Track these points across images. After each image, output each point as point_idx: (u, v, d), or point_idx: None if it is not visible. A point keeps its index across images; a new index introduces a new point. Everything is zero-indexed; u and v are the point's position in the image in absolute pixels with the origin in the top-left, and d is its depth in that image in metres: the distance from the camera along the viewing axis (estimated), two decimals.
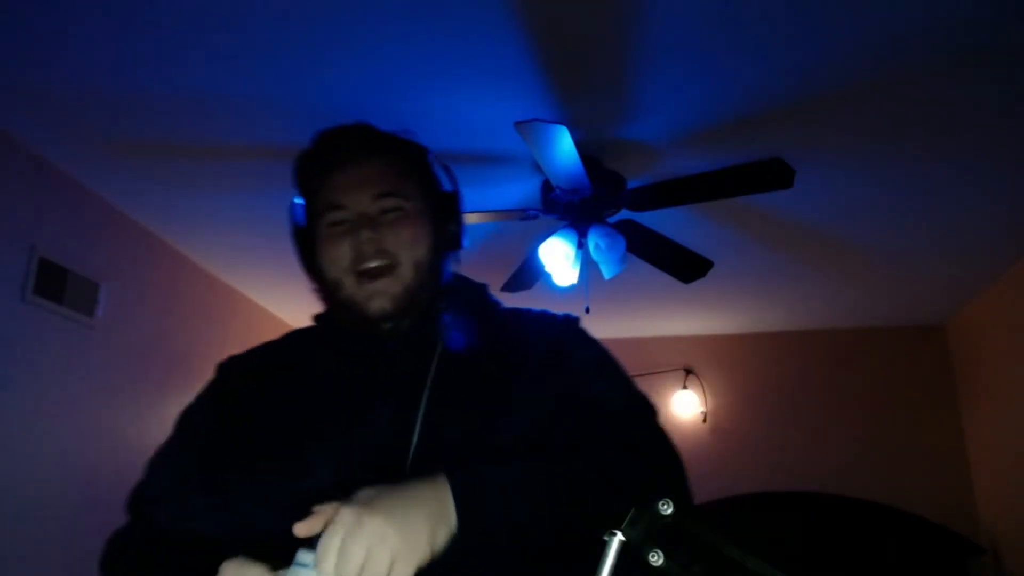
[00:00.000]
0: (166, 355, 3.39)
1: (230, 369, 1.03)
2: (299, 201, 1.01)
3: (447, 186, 1.03)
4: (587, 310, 3.07)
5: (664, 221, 2.82)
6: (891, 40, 2.01)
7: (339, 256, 0.93)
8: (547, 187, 2.61)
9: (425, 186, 0.99)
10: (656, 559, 0.70)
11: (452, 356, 0.92)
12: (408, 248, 0.93)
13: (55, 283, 2.69)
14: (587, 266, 2.82)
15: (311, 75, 2.19)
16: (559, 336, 0.99)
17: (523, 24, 1.97)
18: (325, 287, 0.96)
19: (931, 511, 3.78)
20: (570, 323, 1.02)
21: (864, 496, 3.85)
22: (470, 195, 3.19)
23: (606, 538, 0.71)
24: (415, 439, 0.84)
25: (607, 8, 1.92)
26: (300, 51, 2.09)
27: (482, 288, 1.06)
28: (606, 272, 2.75)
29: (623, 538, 0.71)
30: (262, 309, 4.24)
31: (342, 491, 0.75)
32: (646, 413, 0.97)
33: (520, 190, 2.81)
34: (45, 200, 2.69)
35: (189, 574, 0.81)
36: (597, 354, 1.00)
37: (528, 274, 2.95)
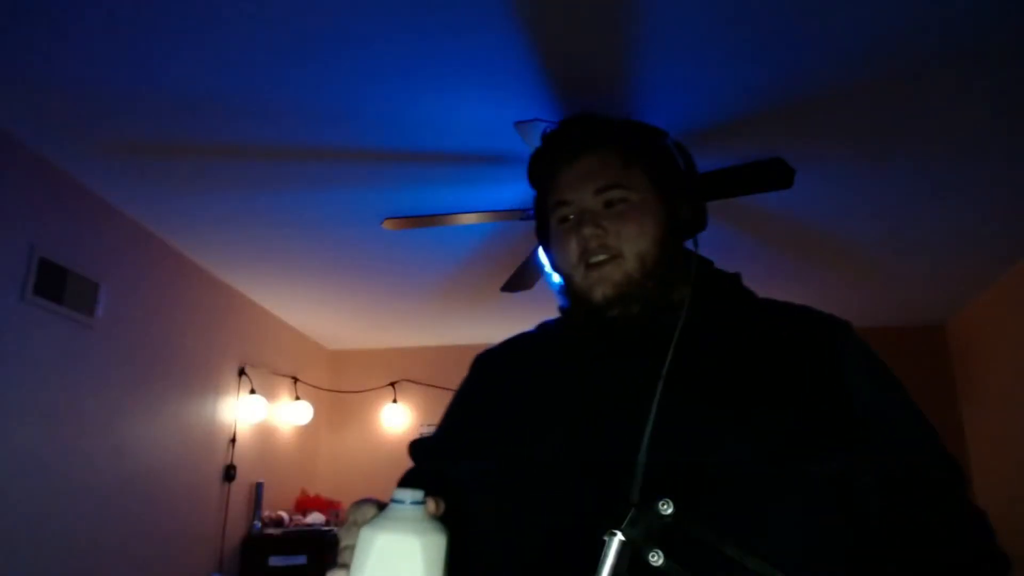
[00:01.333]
0: (166, 355, 3.39)
1: (485, 360, 1.07)
2: (536, 199, 1.03)
3: (681, 167, 1.01)
4: None
5: None
6: (891, 40, 2.01)
7: (568, 251, 0.94)
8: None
9: (653, 173, 0.96)
10: (656, 559, 0.70)
11: (691, 348, 0.86)
12: (631, 241, 0.92)
13: (55, 283, 2.69)
14: None
15: (311, 75, 2.19)
16: (829, 340, 0.89)
17: (523, 24, 1.97)
18: (563, 279, 0.98)
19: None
20: (843, 327, 0.92)
21: None
22: (470, 195, 3.20)
23: (606, 538, 0.71)
24: (647, 435, 0.80)
25: (607, 8, 1.92)
26: (300, 51, 2.09)
27: (732, 277, 1.02)
28: None
29: (623, 538, 0.71)
30: (262, 309, 4.25)
31: (571, 484, 0.81)
32: (961, 483, 0.84)
33: (520, 190, 2.81)
34: (45, 200, 2.69)
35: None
36: (884, 377, 0.89)
37: (528, 274, 2.95)
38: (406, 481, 0.95)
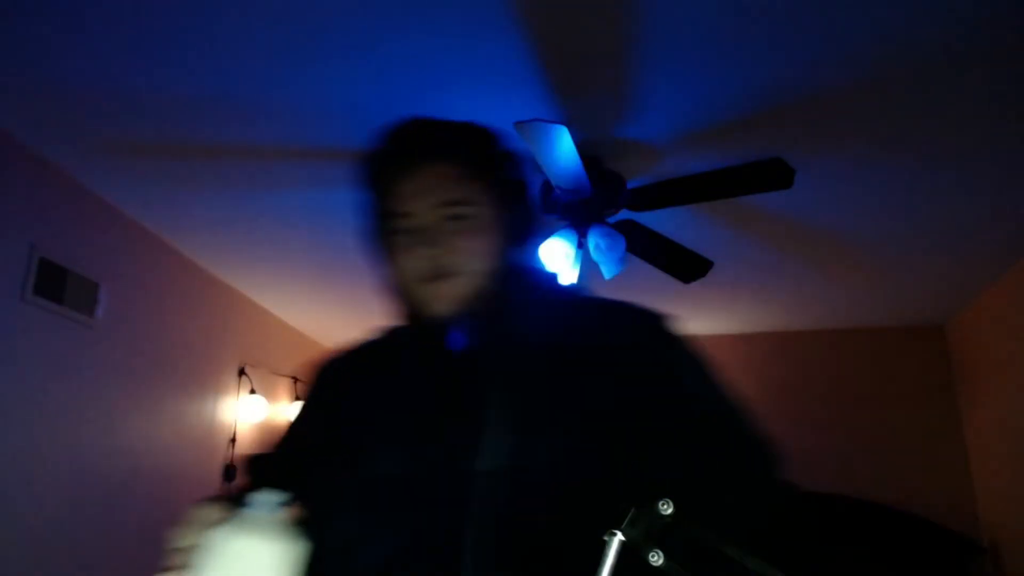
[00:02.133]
0: (166, 355, 3.39)
1: (322, 368, 1.06)
2: (366, 201, 1.00)
3: (515, 175, 1.00)
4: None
5: (664, 221, 2.82)
6: (891, 40, 2.01)
7: (406, 267, 0.92)
8: (547, 187, 2.61)
9: (493, 184, 0.95)
10: (656, 559, 0.70)
11: (525, 356, 0.90)
12: (471, 258, 0.91)
13: (55, 283, 2.69)
14: (587, 266, 2.82)
15: (311, 75, 2.19)
16: (650, 334, 0.93)
17: (523, 24, 1.97)
18: (396, 291, 0.97)
19: (931, 511, 3.78)
20: (656, 322, 0.94)
21: (864, 496, 3.85)
22: None
23: (606, 538, 0.71)
24: (481, 442, 0.84)
25: (607, 8, 1.92)
26: (300, 51, 2.09)
27: (550, 278, 1.04)
28: (606, 272, 2.75)
29: (623, 538, 0.71)
30: (262, 309, 4.24)
31: (395, 492, 0.84)
32: (775, 466, 0.90)
33: None
34: (45, 200, 2.69)
35: None
36: (692, 362, 0.93)
37: None
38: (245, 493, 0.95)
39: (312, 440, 0.97)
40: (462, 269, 0.90)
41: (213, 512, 0.75)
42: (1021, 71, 2.11)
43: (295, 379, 4.55)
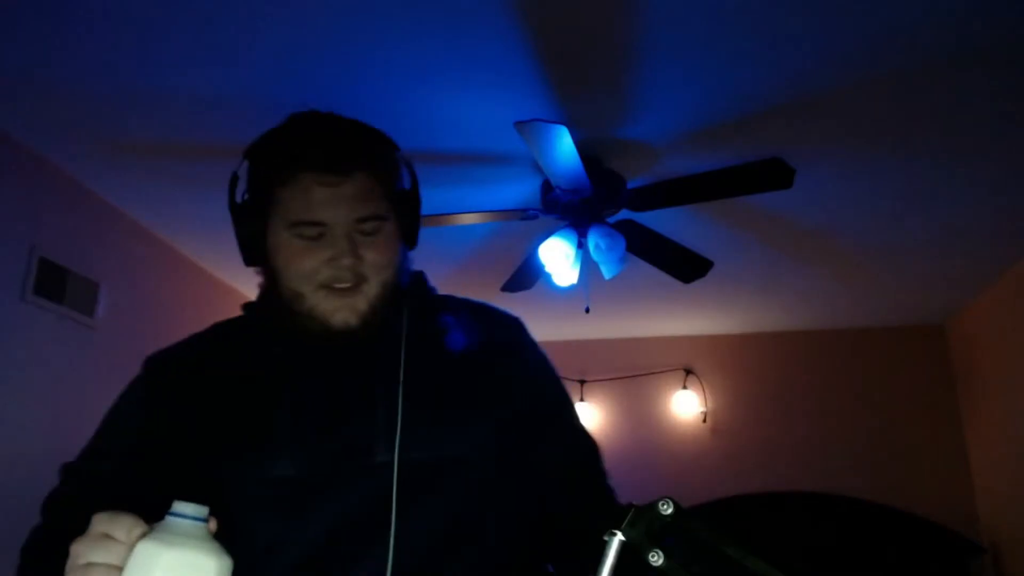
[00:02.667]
0: None
1: (162, 365, 1.00)
2: (247, 179, 0.99)
3: (407, 184, 1.00)
4: (587, 310, 3.07)
5: (664, 221, 2.82)
6: (891, 40, 2.01)
7: (307, 271, 0.89)
8: (547, 187, 2.61)
9: (398, 195, 0.97)
10: (656, 559, 0.70)
11: (414, 357, 0.93)
12: (380, 269, 0.92)
13: (55, 283, 2.69)
14: (587, 266, 2.82)
15: (311, 75, 2.19)
16: (513, 338, 1.04)
17: (523, 24, 1.97)
18: (277, 289, 0.93)
19: (931, 511, 3.78)
20: (520, 325, 1.06)
21: (864, 496, 3.85)
22: (470, 195, 3.21)
23: (606, 538, 0.71)
24: (397, 438, 0.87)
25: (607, 8, 1.92)
26: (300, 51, 2.09)
27: (421, 276, 1.06)
28: (606, 272, 2.75)
29: (623, 538, 0.71)
30: None
31: (307, 490, 0.85)
32: (599, 458, 1.02)
33: (520, 190, 2.81)
34: (45, 200, 2.69)
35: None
36: (549, 370, 1.05)
37: (528, 274, 2.95)
38: (60, 508, 0.91)
39: (178, 442, 0.90)
40: (367, 278, 0.91)
41: (127, 521, 0.66)
42: (1021, 71, 2.11)
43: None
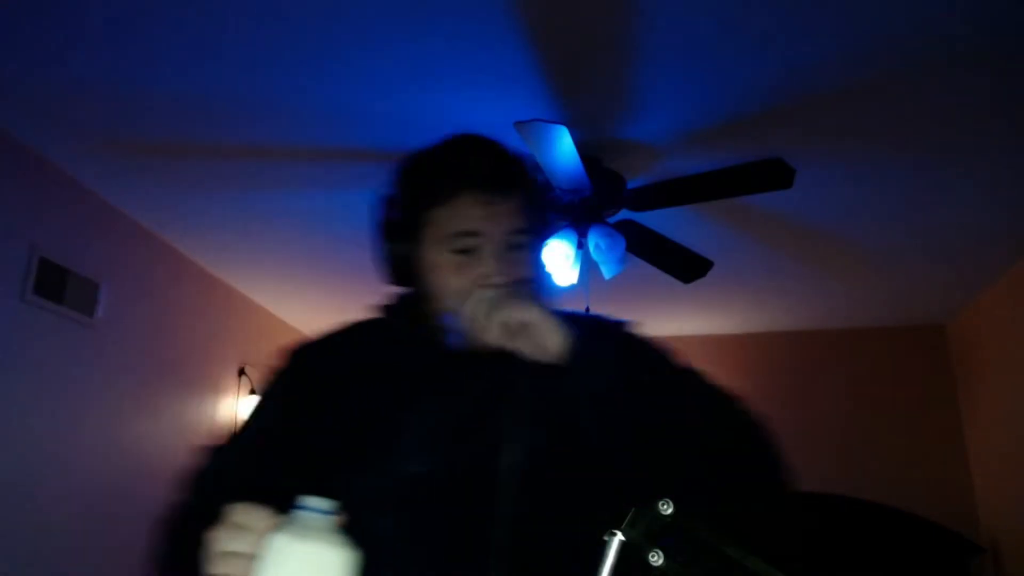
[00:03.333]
0: (166, 355, 3.39)
1: (304, 356, 1.02)
2: (398, 200, 1.00)
3: (545, 202, 1.08)
4: (587, 310, 3.07)
5: (664, 221, 2.82)
6: (891, 40, 2.01)
7: (463, 286, 0.92)
8: (547, 187, 2.61)
9: (539, 214, 1.01)
10: (656, 559, 0.70)
11: (536, 366, 0.92)
12: (525, 284, 0.95)
13: (55, 283, 2.69)
14: (587, 266, 2.82)
15: (310, 75, 2.19)
16: (646, 347, 1.03)
17: (523, 24, 1.97)
18: (424, 300, 0.97)
19: (931, 511, 3.78)
20: (627, 327, 1.06)
21: (864, 496, 3.85)
22: None
23: (606, 538, 0.71)
24: (526, 443, 0.87)
25: (607, 8, 1.92)
26: (300, 52, 2.09)
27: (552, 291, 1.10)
28: (606, 272, 2.75)
29: (623, 538, 0.71)
30: (262, 309, 4.24)
31: (430, 484, 0.85)
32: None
33: None
34: (45, 200, 2.69)
35: None
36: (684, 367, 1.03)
37: None
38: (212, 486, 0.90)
39: (309, 434, 0.92)
40: (520, 294, 0.93)
41: (260, 515, 0.71)
42: (1021, 71, 2.11)
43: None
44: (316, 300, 4.17)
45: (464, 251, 0.93)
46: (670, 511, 0.72)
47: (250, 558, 0.69)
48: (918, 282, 3.73)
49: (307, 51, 2.09)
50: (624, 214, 2.72)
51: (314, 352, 1.02)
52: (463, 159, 0.97)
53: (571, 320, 0.96)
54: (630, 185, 2.65)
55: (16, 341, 2.54)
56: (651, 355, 1.00)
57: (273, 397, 1.00)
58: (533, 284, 0.97)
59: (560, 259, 2.61)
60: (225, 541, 0.70)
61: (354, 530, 0.71)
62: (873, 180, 2.75)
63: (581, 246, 2.64)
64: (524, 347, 0.87)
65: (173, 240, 3.39)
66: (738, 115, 2.36)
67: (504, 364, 0.91)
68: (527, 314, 0.86)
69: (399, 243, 0.99)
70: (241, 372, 3.97)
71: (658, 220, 2.77)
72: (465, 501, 0.86)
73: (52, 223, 2.72)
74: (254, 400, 4.28)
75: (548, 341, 0.86)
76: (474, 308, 0.89)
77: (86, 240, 2.89)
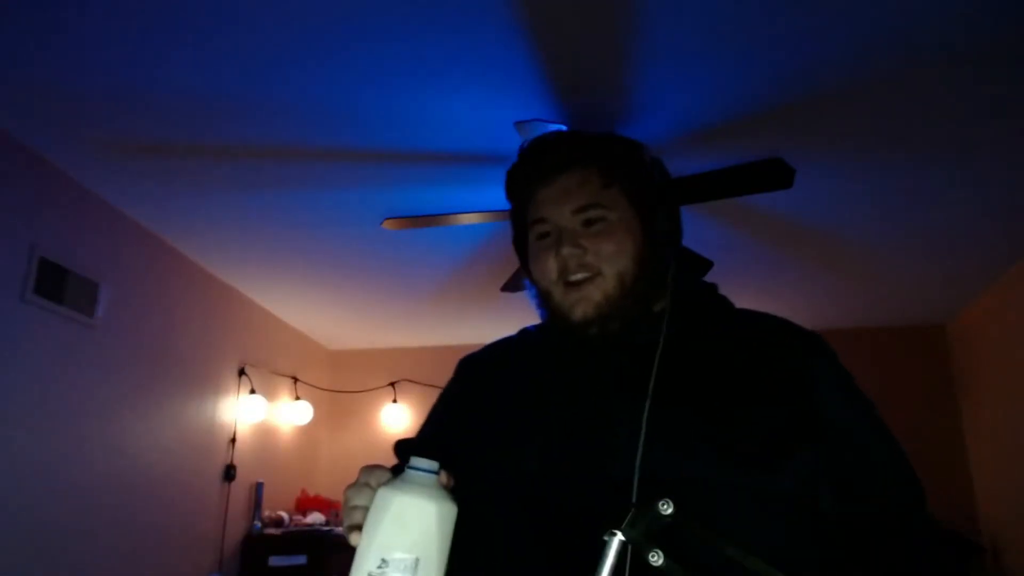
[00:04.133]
0: (166, 355, 3.39)
1: (468, 365, 1.08)
2: (514, 212, 1.04)
3: (657, 179, 1.00)
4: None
5: None
6: (891, 40, 2.01)
7: (547, 269, 0.95)
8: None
9: (631, 190, 0.96)
10: (656, 559, 0.70)
11: (671, 361, 0.89)
12: (610, 260, 0.93)
13: (55, 283, 2.69)
14: None
15: (310, 75, 2.19)
16: (804, 353, 0.93)
17: (523, 24, 1.97)
18: (540, 295, 0.99)
19: (931, 511, 3.78)
20: (817, 341, 0.96)
21: None
22: (470, 195, 3.20)
23: (606, 538, 0.71)
24: (640, 449, 0.83)
25: (607, 8, 1.92)
26: (299, 51, 2.09)
27: (710, 288, 1.03)
28: None
29: (623, 538, 0.71)
30: (262, 309, 4.24)
31: (562, 495, 0.85)
32: (923, 503, 0.91)
33: None
34: (45, 200, 2.69)
35: None
36: (854, 394, 0.94)
37: None
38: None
39: (456, 435, 0.98)
40: (599, 271, 0.92)
41: (380, 473, 0.81)
42: (1020, 71, 2.11)
43: (295, 379, 4.55)
44: (316, 300, 4.17)
45: (542, 236, 0.96)
46: (670, 511, 0.72)
47: (365, 510, 0.79)
48: (918, 282, 3.73)
49: (307, 51, 2.09)
50: None
51: (475, 361, 1.08)
52: (530, 154, 1.00)
53: (733, 328, 0.94)
54: None
55: (16, 341, 2.54)
56: None
57: (436, 408, 1.09)
58: (621, 262, 0.93)
59: None
60: (353, 496, 0.81)
61: (474, 523, 0.79)
62: (873, 180, 2.75)
63: None
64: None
65: (173, 240, 3.39)
66: (738, 115, 2.36)
67: (612, 357, 0.92)
68: None
69: (517, 245, 1.05)
70: (241, 372, 3.97)
71: None
72: (573, 502, 0.86)
73: (52, 223, 2.72)
74: (255, 400, 4.26)
75: None
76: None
77: (86, 240, 2.89)
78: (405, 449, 1.02)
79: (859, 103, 2.29)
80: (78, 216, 2.85)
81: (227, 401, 3.86)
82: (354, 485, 0.83)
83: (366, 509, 0.79)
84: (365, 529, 0.77)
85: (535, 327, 1.06)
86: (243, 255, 3.55)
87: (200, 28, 1.99)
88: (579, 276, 0.92)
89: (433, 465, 0.79)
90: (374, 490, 0.79)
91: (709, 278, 1.06)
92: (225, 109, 2.35)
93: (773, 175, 2.35)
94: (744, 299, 1.03)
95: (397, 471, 0.82)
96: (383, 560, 0.75)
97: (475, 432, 0.96)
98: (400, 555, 0.75)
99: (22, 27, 1.99)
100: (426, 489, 0.78)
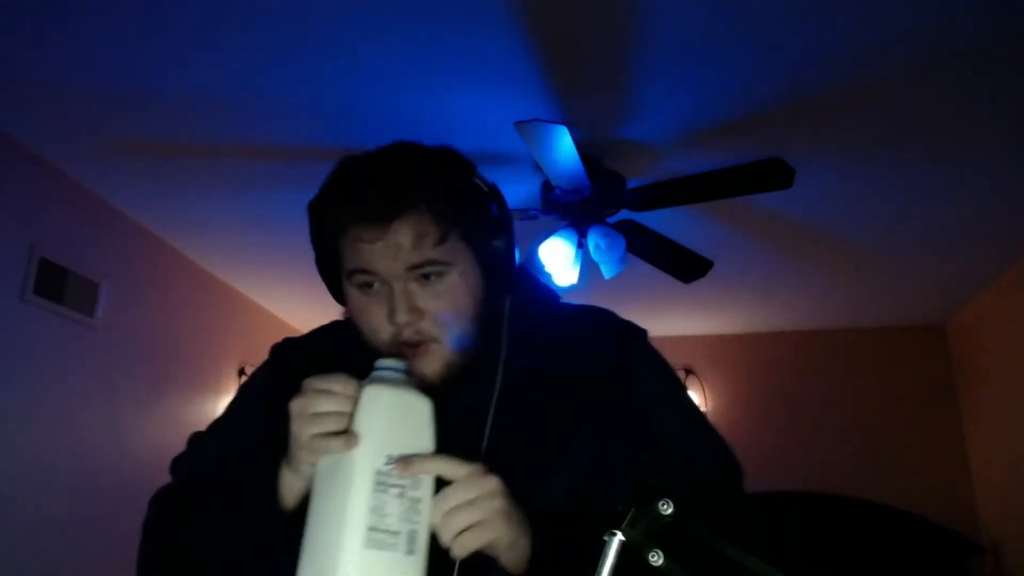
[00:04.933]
0: (166, 355, 3.39)
1: (286, 352, 1.01)
2: (321, 245, 0.91)
3: (494, 209, 0.91)
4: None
5: (664, 221, 2.82)
6: (891, 40, 2.01)
7: (377, 328, 0.84)
8: (547, 187, 2.61)
9: (469, 232, 0.86)
10: (656, 559, 0.70)
11: (507, 387, 0.88)
12: (450, 325, 0.84)
13: (55, 283, 2.69)
14: (587, 266, 2.82)
15: (311, 76, 2.19)
16: (621, 355, 0.92)
17: (523, 24, 1.97)
18: (365, 340, 0.88)
19: (931, 511, 3.78)
20: (634, 336, 0.95)
21: (864, 496, 3.85)
22: None
23: (606, 538, 0.71)
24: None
25: (607, 8, 1.92)
26: (299, 51, 2.09)
27: (544, 307, 0.97)
28: (606, 272, 2.75)
29: (623, 538, 0.71)
30: (262, 309, 4.24)
31: None
32: (739, 478, 0.93)
33: (520, 190, 2.81)
34: (45, 200, 2.69)
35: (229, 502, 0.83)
36: (666, 382, 0.95)
37: None
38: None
39: (257, 430, 0.91)
40: (439, 337, 0.84)
41: (341, 378, 0.75)
42: (1021, 71, 2.11)
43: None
44: (316, 300, 4.16)
45: (366, 286, 0.84)
46: (670, 511, 0.72)
47: (340, 415, 0.73)
48: (918, 282, 3.73)
49: (307, 51, 2.09)
50: (624, 214, 2.72)
51: (290, 350, 1.01)
52: (346, 188, 0.85)
53: (554, 348, 0.90)
54: (630, 185, 2.65)
55: (16, 341, 2.54)
56: None
57: (248, 394, 1.02)
58: (460, 324, 0.85)
59: (560, 259, 2.61)
60: (313, 405, 0.74)
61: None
62: (873, 180, 2.75)
63: (581, 246, 2.64)
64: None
65: (173, 240, 3.39)
66: (738, 115, 2.36)
67: (451, 405, 0.83)
68: (482, 536, 0.73)
69: (325, 276, 0.92)
70: (241, 372, 3.97)
71: (658, 220, 2.77)
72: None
73: (52, 223, 2.72)
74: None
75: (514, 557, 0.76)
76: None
77: (86, 240, 2.89)
78: (199, 444, 0.99)
79: (859, 103, 2.29)
80: (78, 216, 2.85)
81: (227, 401, 3.85)
82: (306, 395, 0.74)
83: (339, 415, 0.73)
84: (359, 429, 0.72)
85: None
86: (243, 255, 3.55)
87: (200, 28, 1.99)
88: (415, 340, 0.83)
89: (404, 364, 0.77)
90: (344, 395, 0.74)
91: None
92: (225, 109, 2.35)
93: (773, 175, 2.35)
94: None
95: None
96: (388, 456, 0.73)
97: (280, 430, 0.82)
98: (403, 451, 0.73)
99: (22, 27, 1.99)
100: (409, 386, 0.76)
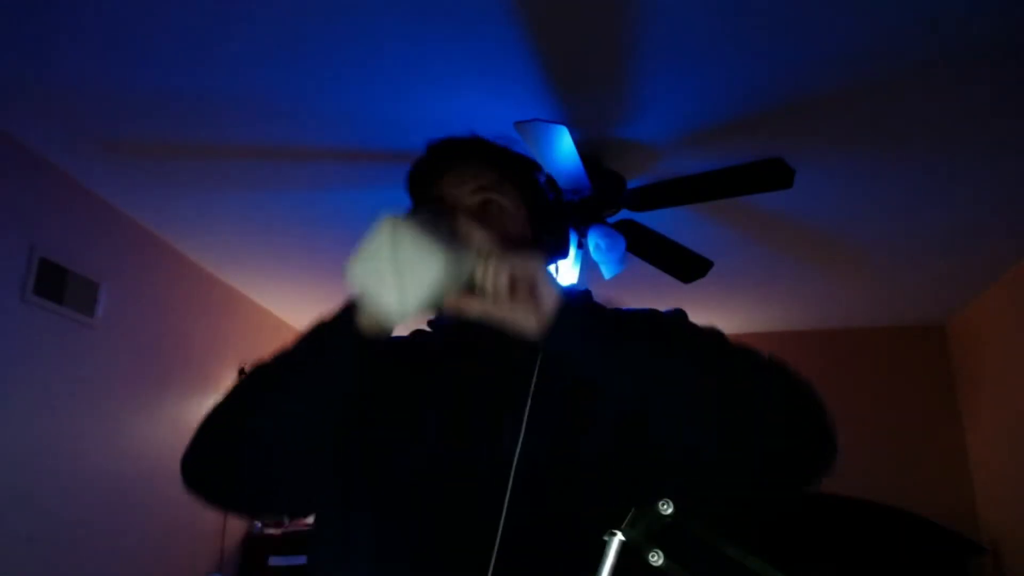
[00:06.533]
0: (166, 355, 3.39)
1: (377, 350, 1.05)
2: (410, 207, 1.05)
3: (549, 200, 1.04)
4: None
5: (664, 221, 2.82)
6: (891, 40, 2.01)
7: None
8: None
9: (525, 193, 1.01)
10: (656, 559, 0.70)
11: (546, 362, 0.93)
12: (505, 241, 0.91)
13: (55, 283, 2.69)
14: (587, 266, 2.82)
15: (311, 76, 2.19)
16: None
17: (523, 24, 1.97)
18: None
19: (931, 511, 3.78)
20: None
21: (864, 496, 3.85)
22: None
23: (606, 538, 0.71)
24: (519, 444, 0.86)
25: (607, 8, 1.92)
26: (300, 52, 2.09)
27: (584, 294, 1.05)
28: (606, 272, 2.75)
29: (623, 538, 0.71)
30: (262, 309, 4.24)
31: (451, 484, 0.85)
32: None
33: None
34: (45, 200, 2.69)
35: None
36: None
37: None
38: None
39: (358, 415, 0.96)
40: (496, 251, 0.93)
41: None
42: (1021, 71, 2.11)
43: None
44: (316, 300, 4.17)
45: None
46: (670, 511, 0.72)
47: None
48: (918, 282, 3.73)
49: (307, 52, 2.09)
50: (624, 214, 2.72)
51: (383, 348, 1.03)
52: (434, 147, 1.04)
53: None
54: (630, 185, 2.65)
55: (16, 341, 2.54)
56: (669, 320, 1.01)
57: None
58: (516, 243, 0.94)
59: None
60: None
61: (365, 516, 0.81)
62: (873, 180, 2.75)
63: (581, 246, 2.64)
64: (517, 311, 0.83)
65: (173, 240, 3.39)
66: (738, 115, 2.36)
67: (506, 354, 0.92)
68: (524, 269, 0.84)
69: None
70: (241, 372, 3.97)
71: (658, 220, 2.77)
72: (459, 498, 0.86)
73: (52, 223, 2.72)
74: None
75: (544, 300, 0.84)
76: (483, 276, 0.86)
77: (86, 240, 2.89)
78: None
79: (859, 103, 2.29)
80: (78, 216, 2.85)
81: None
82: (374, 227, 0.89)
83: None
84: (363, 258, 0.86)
85: (426, 328, 1.06)
86: (243, 255, 3.55)
87: (199, 28, 1.99)
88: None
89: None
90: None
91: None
92: (225, 109, 2.35)
93: (773, 175, 2.35)
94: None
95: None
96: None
97: (365, 419, 0.93)
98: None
99: (23, 28, 1.99)
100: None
